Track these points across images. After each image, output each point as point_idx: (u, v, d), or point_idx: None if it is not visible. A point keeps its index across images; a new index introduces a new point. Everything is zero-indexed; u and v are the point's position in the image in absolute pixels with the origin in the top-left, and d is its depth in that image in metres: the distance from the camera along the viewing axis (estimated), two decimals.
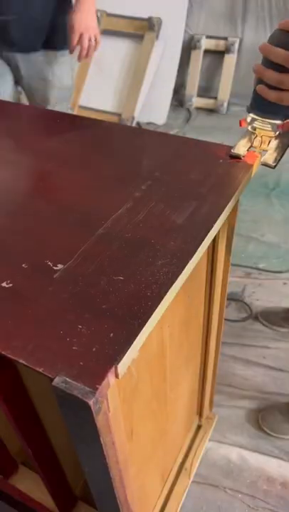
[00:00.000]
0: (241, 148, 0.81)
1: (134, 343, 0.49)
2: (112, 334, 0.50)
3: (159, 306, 0.54)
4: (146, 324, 0.51)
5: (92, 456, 0.56)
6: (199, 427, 1.40)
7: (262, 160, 0.81)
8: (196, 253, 0.62)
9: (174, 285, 0.57)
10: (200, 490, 1.33)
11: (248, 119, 0.79)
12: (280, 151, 0.81)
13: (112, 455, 0.55)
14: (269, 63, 0.66)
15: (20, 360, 0.47)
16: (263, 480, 1.36)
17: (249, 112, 0.77)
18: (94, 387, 0.44)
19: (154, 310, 0.53)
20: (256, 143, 0.81)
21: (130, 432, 0.73)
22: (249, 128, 0.80)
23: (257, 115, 0.77)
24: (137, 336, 0.50)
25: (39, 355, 0.48)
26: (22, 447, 0.86)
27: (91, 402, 0.42)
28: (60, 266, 0.61)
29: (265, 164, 0.81)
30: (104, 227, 0.68)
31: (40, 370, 0.46)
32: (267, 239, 2.20)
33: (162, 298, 0.55)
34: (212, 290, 0.95)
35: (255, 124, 0.78)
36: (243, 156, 0.81)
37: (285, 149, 0.82)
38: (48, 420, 0.84)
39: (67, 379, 0.45)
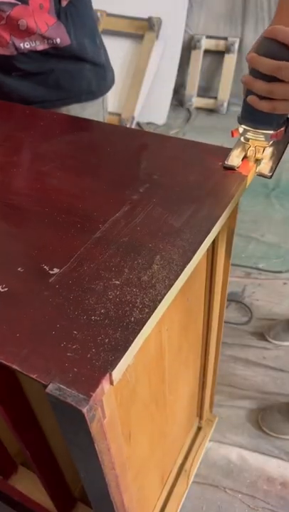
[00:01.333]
0: (235, 159, 0.79)
1: (130, 349, 0.49)
2: (107, 340, 0.50)
3: (156, 311, 0.53)
4: (142, 330, 0.51)
5: (87, 462, 0.55)
6: (199, 428, 1.40)
7: (257, 170, 0.80)
8: (194, 258, 0.62)
9: (170, 290, 0.56)
10: (200, 490, 1.33)
11: (240, 130, 0.77)
12: (276, 160, 0.80)
13: (107, 461, 0.55)
14: (257, 73, 0.64)
15: (14, 366, 0.47)
16: (263, 480, 1.36)
17: (240, 123, 0.75)
18: (88, 394, 0.44)
19: (150, 316, 0.53)
20: (250, 153, 0.79)
21: (128, 435, 0.73)
22: (242, 139, 0.78)
23: (249, 126, 0.75)
24: (132, 342, 0.49)
25: (33, 361, 0.48)
26: (20, 449, 0.86)
27: (85, 410, 0.42)
28: (56, 270, 0.61)
29: (261, 175, 0.80)
30: (101, 231, 0.67)
31: (34, 377, 0.46)
32: (267, 239, 2.19)
33: (159, 303, 0.54)
34: (212, 292, 0.95)
35: (248, 135, 0.76)
36: (238, 167, 0.79)
37: (280, 157, 0.80)
38: (46, 422, 0.84)
39: (61, 386, 0.44)
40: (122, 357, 0.48)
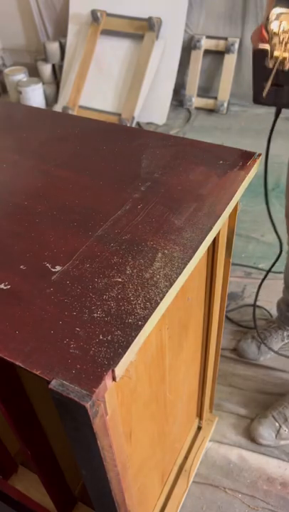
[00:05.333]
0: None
1: (132, 346, 0.49)
2: (109, 337, 0.50)
3: (157, 309, 0.54)
4: (144, 327, 0.51)
5: (90, 459, 0.56)
6: (199, 428, 1.40)
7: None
8: (195, 256, 0.62)
9: (171, 288, 0.56)
10: (200, 490, 1.33)
11: (273, 17, 0.75)
12: None
13: (109, 458, 0.55)
14: None
15: (17, 363, 0.47)
16: (262, 480, 1.35)
17: (275, 7, 0.75)
18: (91, 390, 0.44)
19: (151, 313, 0.53)
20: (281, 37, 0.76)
21: (129, 434, 0.73)
22: (274, 28, 0.75)
23: (282, 6, 0.74)
24: (134, 339, 0.50)
25: (36, 358, 0.48)
26: (21, 448, 0.86)
27: (88, 406, 0.42)
28: (58, 268, 0.61)
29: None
30: (102, 229, 0.67)
31: (37, 373, 0.46)
32: (267, 239, 2.19)
33: (160, 301, 0.54)
34: (212, 291, 0.95)
35: (283, 17, 0.74)
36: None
37: None
38: (46, 421, 0.84)
39: (64, 382, 0.45)
40: (124, 354, 0.48)
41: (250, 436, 1.45)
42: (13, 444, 1.14)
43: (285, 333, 1.68)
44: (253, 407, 1.53)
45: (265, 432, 1.42)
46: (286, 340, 1.70)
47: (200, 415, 1.38)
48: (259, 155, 0.81)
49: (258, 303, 1.88)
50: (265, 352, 1.67)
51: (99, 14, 3.13)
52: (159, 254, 0.62)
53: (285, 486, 1.34)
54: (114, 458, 0.57)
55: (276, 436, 1.41)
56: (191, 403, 1.25)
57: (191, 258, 0.61)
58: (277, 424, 1.42)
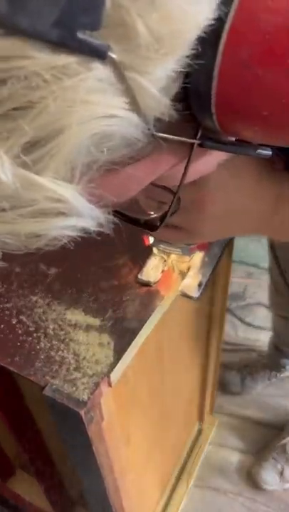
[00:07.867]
0: (151, 272, 0.57)
1: (128, 351, 0.48)
2: (105, 341, 0.49)
3: (154, 313, 0.53)
4: (141, 332, 0.50)
5: (86, 464, 0.55)
6: (200, 431, 1.39)
7: (180, 288, 0.58)
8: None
9: (170, 291, 0.56)
10: (200, 493, 1.32)
11: (151, 240, 0.55)
12: (208, 270, 0.60)
13: (106, 464, 0.54)
14: None
15: (11, 368, 0.46)
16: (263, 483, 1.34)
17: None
18: (86, 396, 0.43)
19: (149, 317, 0.52)
20: (169, 265, 0.59)
21: (127, 438, 0.72)
22: (155, 251, 0.58)
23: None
24: (130, 343, 0.49)
25: (30, 363, 0.47)
26: (19, 452, 0.85)
27: (82, 412, 0.41)
28: (53, 270, 0.60)
29: (186, 295, 0.58)
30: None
31: (31, 379, 0.45)
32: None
33: (158, 304, 0.54)
34: (213, 292, 0.94)
35: (161, 247, 0.55)
36: (155, 283, 0.56)
37: (216, 265, 0.62)
38: (44, 425, 0.83)
39: (58, 388, 0.44)
40: (120, 359, 0.47)
41: (253, 481, 1.35)
42: (11, 447, 1.13)
43: (273, 373, 1.57)
44: (254, 410, 1.52)
45: (268, 476, 1.33)
46: (273, 380, 1.58)
47: (200, 418, 1.37)
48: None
49: (259, 302, 1.87)
50: (249, 387, 1.56)
51: None
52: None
53: (286, 490, 1.33)
54: (112, 464, 0.56)
55: (280, 479, 1.33)
56: (192, 406, 1.24)
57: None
58: (279, 466, 1.34)
